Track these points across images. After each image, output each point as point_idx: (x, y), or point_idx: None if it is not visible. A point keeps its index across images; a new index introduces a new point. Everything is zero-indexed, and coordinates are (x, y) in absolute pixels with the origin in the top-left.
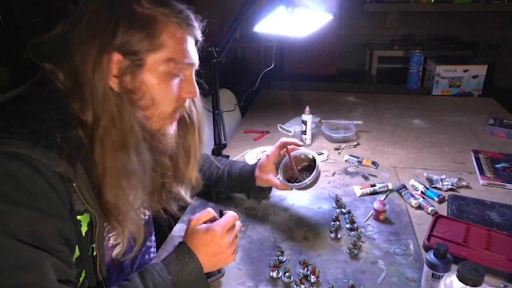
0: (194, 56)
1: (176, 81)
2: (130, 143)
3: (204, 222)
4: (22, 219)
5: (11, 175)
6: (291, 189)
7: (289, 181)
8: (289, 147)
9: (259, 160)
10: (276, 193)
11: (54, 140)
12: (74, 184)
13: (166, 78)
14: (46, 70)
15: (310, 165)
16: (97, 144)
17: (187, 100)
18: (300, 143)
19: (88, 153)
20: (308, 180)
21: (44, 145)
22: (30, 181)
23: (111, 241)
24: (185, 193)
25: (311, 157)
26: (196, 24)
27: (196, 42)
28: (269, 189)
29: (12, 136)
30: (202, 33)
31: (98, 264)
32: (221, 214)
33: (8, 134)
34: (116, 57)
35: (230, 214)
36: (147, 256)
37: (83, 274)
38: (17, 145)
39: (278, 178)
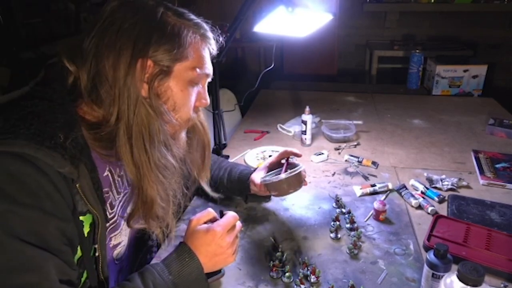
0: (211, 67)
1: (196, 89)
2: (161, 141)
3: (205, 222)
4: (25, 219)
5: (14, 175)
6: (269, 192)
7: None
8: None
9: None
10: None
11: (58, 140)
12: (77, 185)
13: (189, 85)
14: (72, 71)
15: None
16: (127, 143)
17: (200, 109)
18: (300, 153)
19: (91, 153)
20: (276, 178)
21: (48, 146)
22: (34, 181)
23: (112, 241)
24: (207, 187)
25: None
26: (212, 36)
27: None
28: (267, 196)
29: (16, 136)
30: (218, 47)
31: (100, 264)
32: (221, 214)
33: (13, 134)
34: (149, 63)
35: (230, 215)
36: (148, 256)
37: (85, 275)
38: (21, 145)
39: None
